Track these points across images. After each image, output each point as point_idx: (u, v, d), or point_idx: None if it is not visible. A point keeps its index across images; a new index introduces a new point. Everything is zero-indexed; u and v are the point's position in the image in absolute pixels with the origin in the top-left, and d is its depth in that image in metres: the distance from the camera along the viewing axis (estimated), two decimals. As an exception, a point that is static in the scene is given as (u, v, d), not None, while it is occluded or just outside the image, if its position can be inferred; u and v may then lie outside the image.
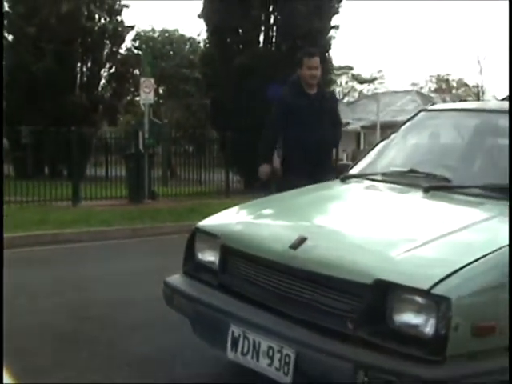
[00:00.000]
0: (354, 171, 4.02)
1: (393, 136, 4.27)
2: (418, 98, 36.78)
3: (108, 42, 21.05)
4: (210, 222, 3.45)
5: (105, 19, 20.88)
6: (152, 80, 13.24)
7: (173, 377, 3.53)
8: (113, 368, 3.64)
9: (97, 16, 20.67)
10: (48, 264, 6.74)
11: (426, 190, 3.32)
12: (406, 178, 3.59)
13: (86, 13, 20.11)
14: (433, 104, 6.72)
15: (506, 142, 3.52)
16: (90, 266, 6.48)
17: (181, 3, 69.03)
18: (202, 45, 23.37)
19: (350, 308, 2.57)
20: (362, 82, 42.25)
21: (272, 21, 16.67)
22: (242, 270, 3.09)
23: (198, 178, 15.06)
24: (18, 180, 12.05)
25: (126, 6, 21.60)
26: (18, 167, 16.25)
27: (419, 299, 2.41)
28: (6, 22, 19.06)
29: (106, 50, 21.20)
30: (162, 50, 27.41)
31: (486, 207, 3.12)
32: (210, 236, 3.28)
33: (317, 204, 3.66)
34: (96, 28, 20.45)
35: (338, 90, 38.82)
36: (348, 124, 28.37)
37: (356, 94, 44.35)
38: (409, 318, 2.43)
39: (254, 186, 7.15)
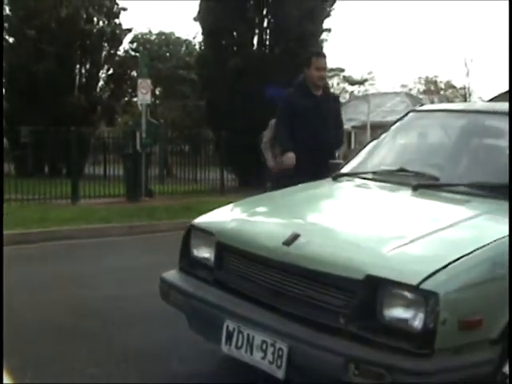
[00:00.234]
0: (345, 170, 4.07)
1: (383, 136, 4.31)
2: (407, 99, 36.79)
3: (106, 44, 21.18)
4: (205, 219, 3.48)
5: (103, 22, 20.96)
6: (149, 81, 13.24)
7: (169, 371, 3.58)
8: (111, 362, 3.69)
9: (95, 19, 20.75)
10: (47, 261, 6.80)
11: (415, 188, 3.37)
12: (395, 177, 3.64)
13: (84, 16, 20.17)
14: (421, 105, 6.72)
15: (492, 141, 3.57)
16: (89, 263, 6.55)
17: (177, 6, 69.38)
18: (197, 47, 23.33)
19: (342, 303, 2.61)
20: (353, 83, 42.10)
21: (266, 24, 16.73)
22: (236, 266, 3.12)
23: (194, 176, 15.18)
24: (18, 178, 12.03)
25: (124, 9, 21.74)
26: (19, 166, 16.21)
27: (408, 294, 2.46)
28: (7, 24, 19.13)
29: (105, 52, 21.31)
30: (158, 51, 27.35)
31: (473, 205, 3.17)
32: (206, 233, 3.31)
33: (309, 202, 3.71)
34: (94, 31, 20.53)
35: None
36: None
37: (347, 96, 44.24)
38: (398, 312, 2.48)
39: (266, 178, 7.04)
